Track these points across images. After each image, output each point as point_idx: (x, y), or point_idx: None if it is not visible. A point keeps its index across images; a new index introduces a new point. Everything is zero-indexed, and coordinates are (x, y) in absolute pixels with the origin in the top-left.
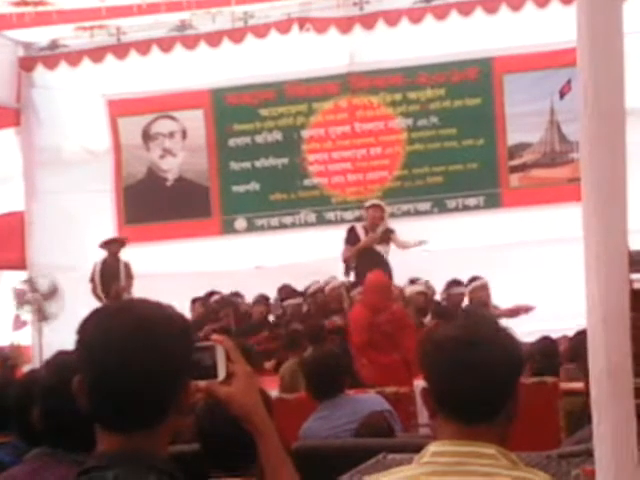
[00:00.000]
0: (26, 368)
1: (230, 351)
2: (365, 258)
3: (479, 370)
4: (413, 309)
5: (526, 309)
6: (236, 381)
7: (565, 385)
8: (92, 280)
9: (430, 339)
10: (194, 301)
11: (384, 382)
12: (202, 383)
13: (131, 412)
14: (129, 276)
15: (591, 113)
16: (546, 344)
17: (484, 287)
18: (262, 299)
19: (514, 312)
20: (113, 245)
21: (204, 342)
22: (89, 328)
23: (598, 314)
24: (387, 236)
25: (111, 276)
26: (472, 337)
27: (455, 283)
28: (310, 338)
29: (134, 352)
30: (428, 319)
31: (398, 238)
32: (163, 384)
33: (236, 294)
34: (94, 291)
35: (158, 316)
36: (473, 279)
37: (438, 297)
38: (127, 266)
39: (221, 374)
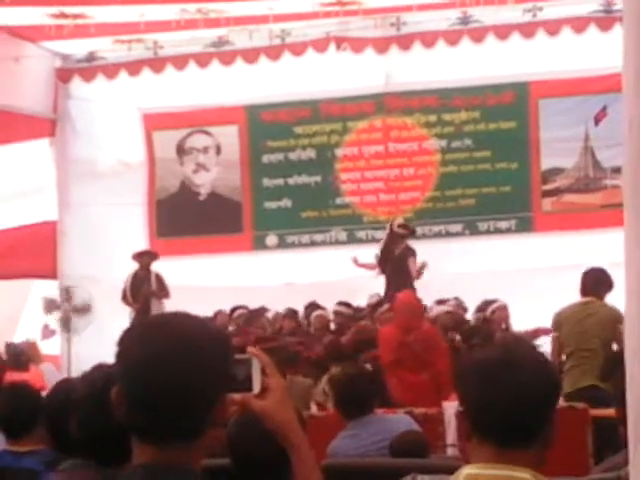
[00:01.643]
0: (44, 367)
1: (265, 365)
2: (395, 277)
3: (516, 393)
4: (441, 328)
5: (545, 332)
6: (271, 395)
7: (594, 411)
8: (123, 291)
9: (466, 361)
10: (216, 315)
11: (413, 402)
12: (237, 396)
13: (168, 424)
14: (161, 287)
15: (635, 138)
16: None
17: (503, 308)
18: (291, 312)
19: (533, 335)
20: (144, 257)
21: (240, 355)
22: (129, 340)
23: (636, 344)
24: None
25: (141, 288)
26: (509, 360)
27: (491, 302)
28: (331, 358)
29: (174, 365)
30: (458, 338)
31: (413, 265)
32: (201, 398)
33: (263, 309)
34: (124, 300)
35: (198, 330)
36: (492, 300)
37: (469, 316)
38: (158, 277)
39: (256, 387)
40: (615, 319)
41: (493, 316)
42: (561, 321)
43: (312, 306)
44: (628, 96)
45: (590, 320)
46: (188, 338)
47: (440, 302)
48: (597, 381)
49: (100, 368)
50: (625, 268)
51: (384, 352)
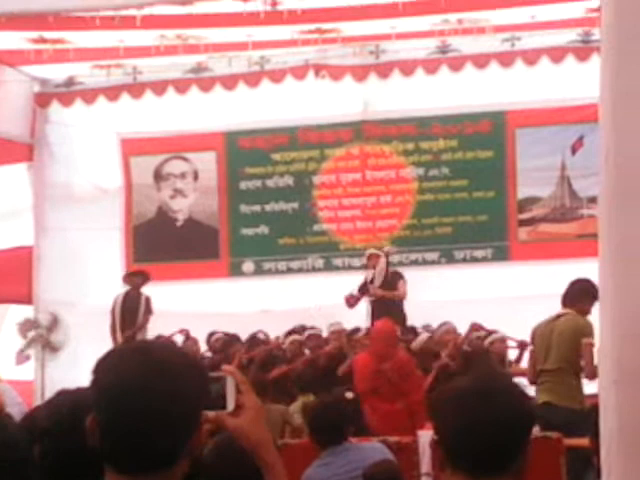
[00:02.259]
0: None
1: (240, 383)
2: (381, 305)
3: (490, 424)
4: (428, 357)
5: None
6: (245, 413)
7: (569, 441)
8: (112, 312)
9: (441, 391)
10: (210, 336)
11: (387, 430)
12: (211, 413)
13: (143, 454)
14: (148, 311)
15: (612, 170)
16: None
17: (502, 340)
18: (259, 341)
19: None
20: (135, 278)
21: (215, 373)
22: (106, 369)
23: (611, 374)
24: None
25: (131, 312)
26: (484, 390)
27: (476, 328)
28: (299, 387)
29: (150, 395)
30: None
31: (403, 287)
32: (178, 428)
33: (235, 336)
34: (112, 325)
35: (175, 359)
36: (492, 332)
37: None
38: (148, 301)
39: (230, 405)
40: (581, 334)
41: (492, 347)
42: (534, 337)
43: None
44: (605, 127)
45: (555, 339)
46: (165, 367)
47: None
48: (551, 398)
49: (63, 394)
50: (600, 300)
51: (359, 380)
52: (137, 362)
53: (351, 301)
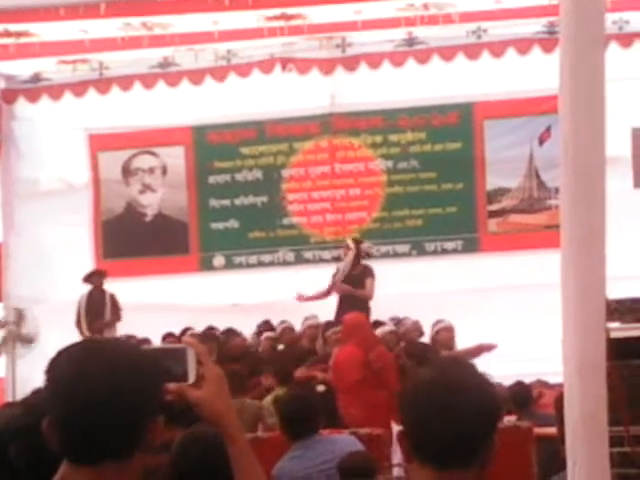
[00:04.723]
0: None
1: (201, 354)
2: (347, 299)
3: (456, 415)
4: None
5: (488, 347)
6: (206, 384)
7: (538, 430)
8: (77, 313)
9: (407, 383)
10: (166, 337)
11: (373, 421)
12: (172, 385)
13: (96, 446)
14: (115, 308)
15: (571, 162)
16: (519, 389)
17: (449, 329)
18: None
19: (477, 351)
20: (95, 277)
21: (175, 345)
22: (59, 367)
23: (574, 364)
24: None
25: (96, 309)
26: (449, 382)
27: (437, 322)
28: (278, 380)
29: (104, 391)
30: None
31: (371, 284)
32: (128, 422)
33: (211, 328)
34: (78, 325)
35: (128, 355)
36: (438, 321)
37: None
38: (113, 298)
39: (191, 377)
40: None
41: (438, 337)
42: None
43: (265, 324)
44: (564, 119)
45: None
46: (118, 363)
47: (397, 322)
48: None
49: (40, 393)
50: (562, 289)
51: (348, 372)
52: (90, 359)
53: (301, 300)
